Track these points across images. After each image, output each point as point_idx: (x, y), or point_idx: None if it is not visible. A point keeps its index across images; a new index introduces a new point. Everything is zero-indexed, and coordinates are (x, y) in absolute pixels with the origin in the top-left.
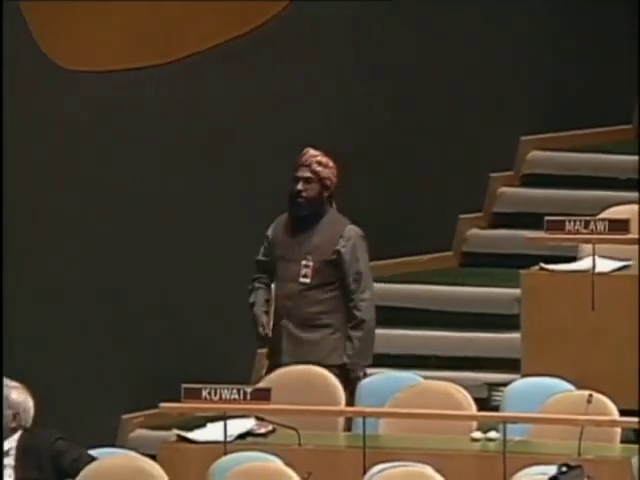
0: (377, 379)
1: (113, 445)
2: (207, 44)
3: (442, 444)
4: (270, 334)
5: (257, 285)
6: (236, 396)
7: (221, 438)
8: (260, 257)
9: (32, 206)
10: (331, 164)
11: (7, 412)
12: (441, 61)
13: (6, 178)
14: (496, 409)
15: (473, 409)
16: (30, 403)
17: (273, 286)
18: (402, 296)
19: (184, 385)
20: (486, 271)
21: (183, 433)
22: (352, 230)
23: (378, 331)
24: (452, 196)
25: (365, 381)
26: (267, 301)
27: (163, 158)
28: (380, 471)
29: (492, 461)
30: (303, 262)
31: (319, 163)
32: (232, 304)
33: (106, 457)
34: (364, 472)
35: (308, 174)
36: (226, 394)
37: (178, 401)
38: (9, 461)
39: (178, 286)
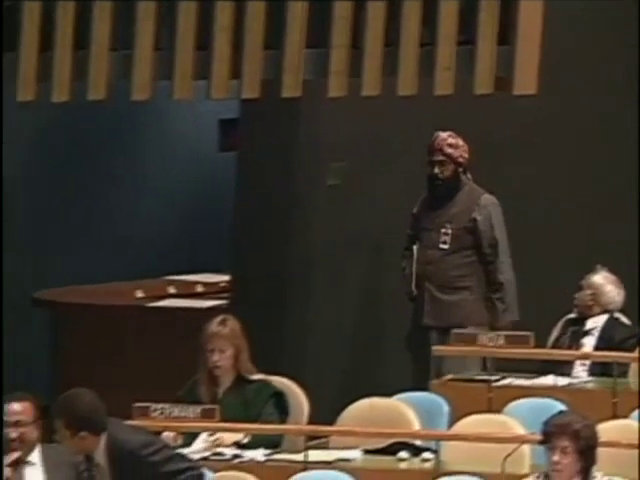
0: None
1: None
2: None
3: None
4: (415, 293)
5: (406, 253)
6: None
7: None
8: (409, 231)
9: None
10: (461, 143)
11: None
12: None
13: None
14: None
15: None
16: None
17: (415, 251)
18: None
19: None
20: None
21: None
22: (487, 199)
23: None
24: None
25: None
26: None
27: None
28: None
29: None
30: (442, 230)
31: (450, 145)
32: None
33: None
34: None
35: (441, 157)
36: None
37: None
38: None
39: None
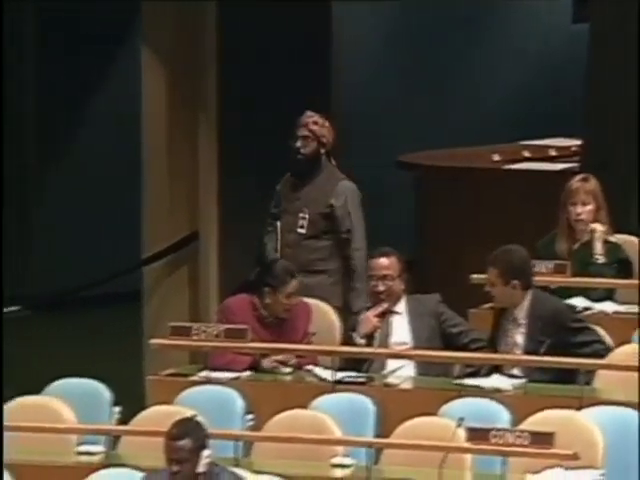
0: None
1: None
2: None
3: None
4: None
5: (269, 229)
6: None
7: None
8: (271, 209)
9: None
10: (327, 124)
11: None
12: None
13: None
14: None
15: None
16: None
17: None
18: None
19: None
20: None
21: None
22: (345, 185)
23: None
24: None
25: None
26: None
27: None
28: None
29: None
30: (300, 214)
31: (315, 123)
32: None
33: None
34: None
35: (305, 133)
36: None
37: None
38: None
39: None
